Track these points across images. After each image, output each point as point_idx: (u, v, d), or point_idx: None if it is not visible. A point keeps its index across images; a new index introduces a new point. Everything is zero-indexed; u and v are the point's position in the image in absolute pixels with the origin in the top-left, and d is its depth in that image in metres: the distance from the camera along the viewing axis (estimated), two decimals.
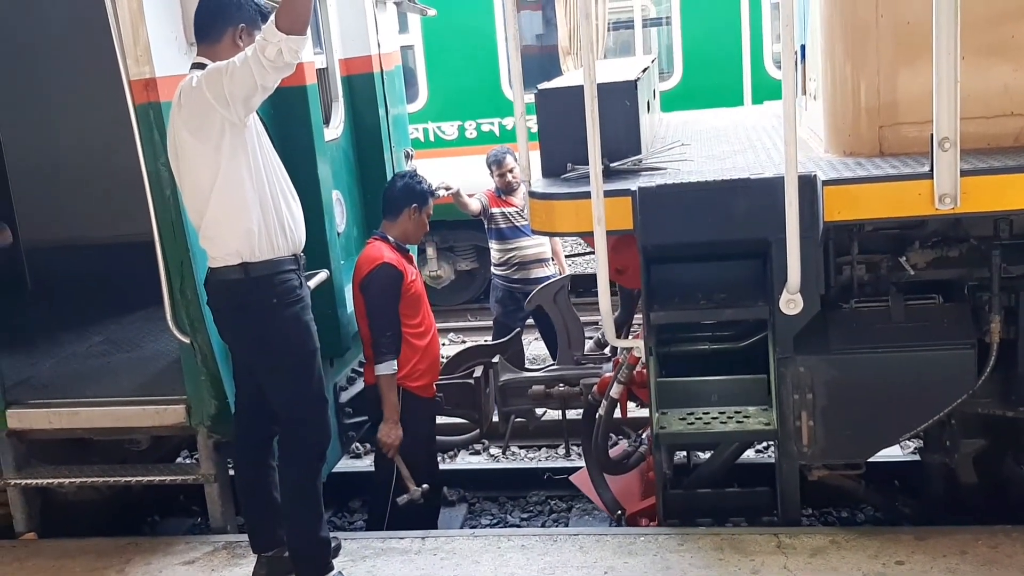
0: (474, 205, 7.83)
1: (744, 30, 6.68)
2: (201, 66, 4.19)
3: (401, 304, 5.45)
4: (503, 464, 7.62)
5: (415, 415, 5.55)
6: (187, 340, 4.87)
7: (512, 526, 6.73)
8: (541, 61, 10.13)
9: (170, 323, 4.83)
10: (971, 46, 4.35)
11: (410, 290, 5.48)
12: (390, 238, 5.59)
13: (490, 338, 8.24)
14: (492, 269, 8.19)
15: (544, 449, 7.85)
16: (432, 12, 7.80)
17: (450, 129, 10.88)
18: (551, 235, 6.84)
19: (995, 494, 5.09)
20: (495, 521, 6.85)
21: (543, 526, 6.68)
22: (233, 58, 4.05)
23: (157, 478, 5.34)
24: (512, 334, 6.36)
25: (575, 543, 4.75)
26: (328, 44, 6.29)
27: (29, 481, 5.32)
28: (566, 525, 6.47)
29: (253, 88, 4.03)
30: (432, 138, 10.92)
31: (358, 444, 7.88)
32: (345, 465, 7.78)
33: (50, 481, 5.35)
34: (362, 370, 6.36)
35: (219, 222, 4.22)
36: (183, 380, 5.04)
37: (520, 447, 7.89)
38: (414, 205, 5.62)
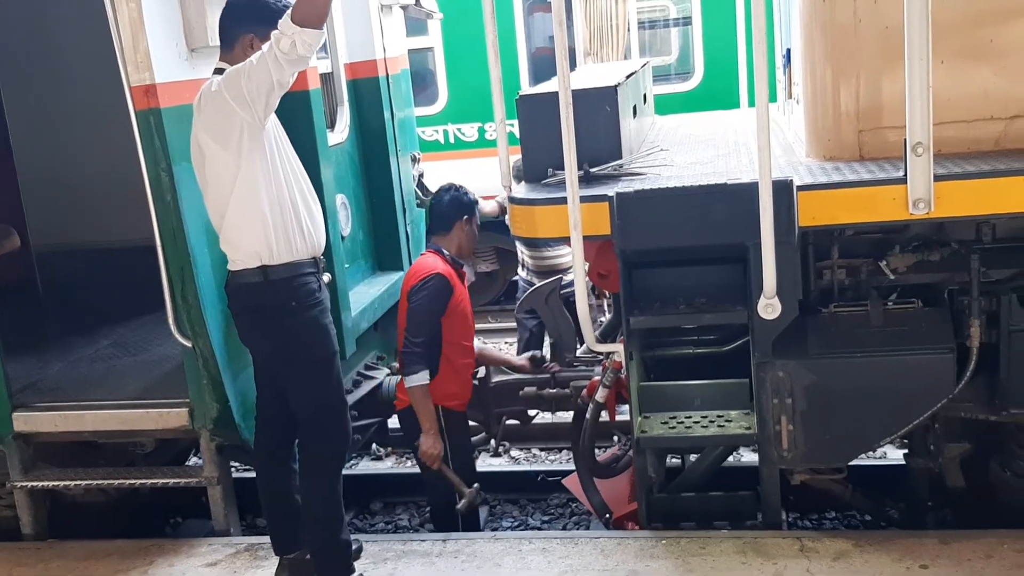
0: (489, 207, 7.85)
1: (740, 33, 6.67)
2: (221, 71, 4.28)
3: (449, 320, 5.47)
4: (524, 467, 7.65)
5: (452, 428, 5.57)
6: (189, 344, 4.95)
7: (533, 529, 6.76)
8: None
9: (172, 327, 4.92)
10: (950, 50, 4.36)
11: (458, 307, 5.51)
12: (445, 252, 5.60)
13: (513, 340, 8.22)
14: (521, 272, 8.05)
15: (565, 452, 7.87)
16: (439, 16, 7.86)
17: (470, 131, 10.94)
18: (532, 240, 6.84)
19: (982, 498, 5.06)
20: (516, 524, 6.89)
21: (564, 529, 6.70)
22: (251, 57, 4.15)
23: (161, 480, 5.41)
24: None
25: (596, 546, 4.77)
26: (333, 49, 6.37)
27: (36, 483, 5.41)
28: (587, 528, 6.44)
29: (270, 85, 4.09)
30: (452, 140, 10.99)
31: (378, 446, 7.99)
32: (366, 467, 7.91)
33: (56, 483, 5.43)
34: (368, 373, 6.48)
35: (237, 225, 4.29)
36: (186, 384, 5.12)
37: (541, 449, 7.93)
38: (465, 217, 5.65)
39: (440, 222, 5.67)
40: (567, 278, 6.71)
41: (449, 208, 5.66)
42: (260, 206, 4.25)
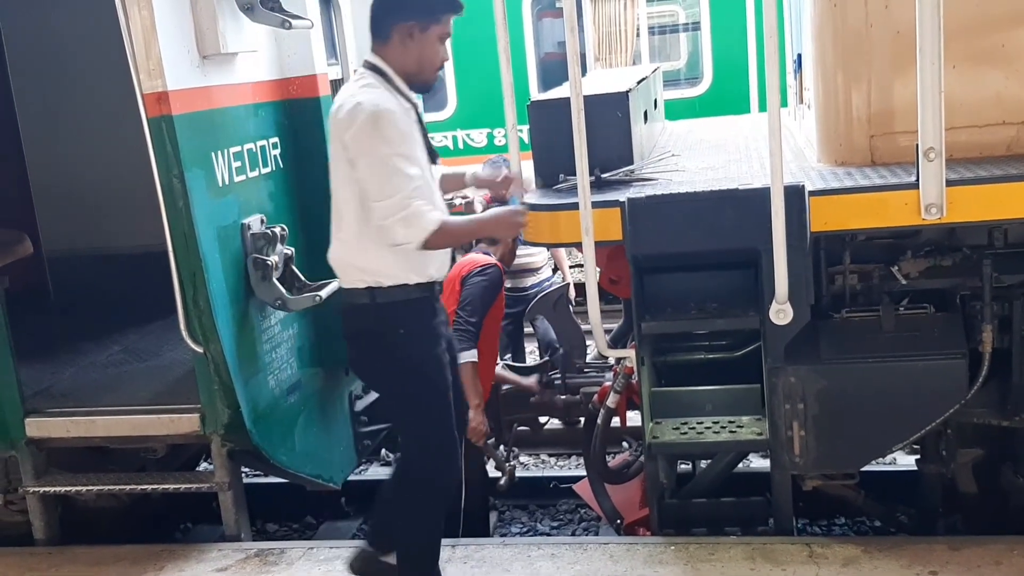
0: (479, 211, 7.92)
1: (750, 37, 6.68)
2: (373, 66, 4.06)
3: (487, 319, 5.59)
4: (533, 472, 7.66)
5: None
6: (200, 349, 4.95)
7: (542, 534, 6.77)
8: (566, 68, 10.14)
9: (183, 333, 4.92)
10: (962, 55, 4.35)
11: (498, 311, 5.64)
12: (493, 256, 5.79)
13: None
14: None
15: (574, 458, 7.87)
16: None
17: (479, 136, 10.96)
18: (545, 245, 6.88)
19: (994, 504, 5.04)
20: (525, 529, 6.90)
21: (573, 535, 6.70)
22: (386, 171, 3.85)
23: (172, 486, 5.40)
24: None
25: (605, 552, 4.76)
26: (343, 56, 6.37)
27: (48, 489, 5.42)
28: (596, 534, 6.46)
29: (363, 189, 3.90)
30: (461, 145, 11.01)
31: (387, 452, 7.99)
32: (375, 473, 7.90)
33: (68, 489, 5.44)
34: None
35: (349, 241, 4.08)
36: (198, 389, 5.11)
37: (550, 455, 7.93)
38: None
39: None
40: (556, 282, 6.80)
41: None
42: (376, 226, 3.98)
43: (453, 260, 5.31)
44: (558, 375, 5.91)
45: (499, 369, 6.03)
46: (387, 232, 3.90)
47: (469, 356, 5.39)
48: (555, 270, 8.26)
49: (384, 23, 4.05)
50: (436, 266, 4.15)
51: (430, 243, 3.90)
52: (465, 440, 5.44)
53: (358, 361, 4.33)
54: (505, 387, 5.97)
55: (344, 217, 4.08)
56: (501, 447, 6.23)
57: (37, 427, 5.38)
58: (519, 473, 7.53)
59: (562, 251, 8.46)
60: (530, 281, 7.85)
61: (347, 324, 4.23)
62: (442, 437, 4.16)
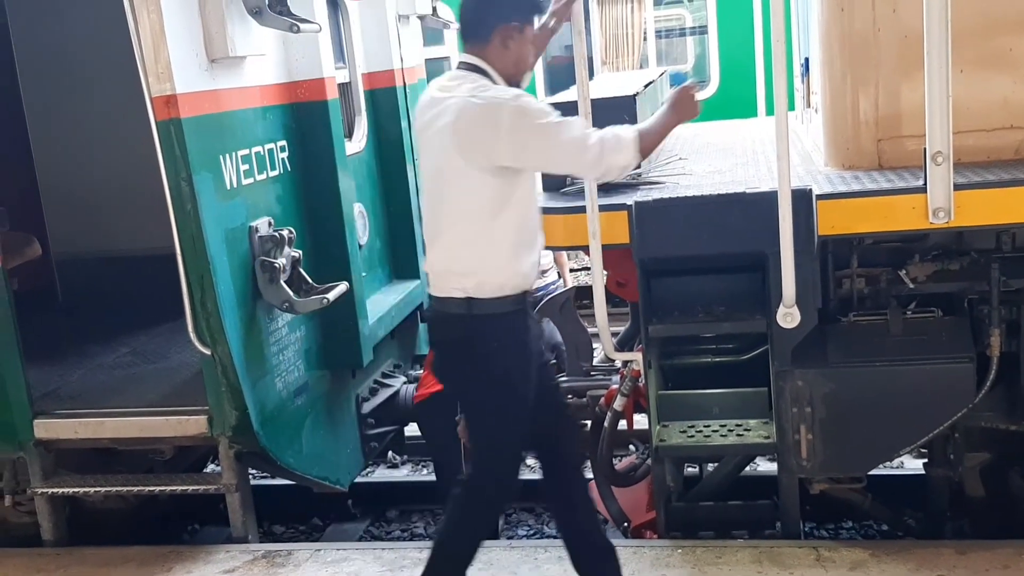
0: None
1: (757, 40, 6.68)
2: (471, 66, 3.92)
3: None
4: (539, 475, 7.62)
5: None
6: (208, 351, 4.96)
7: (548, 537, 6.73)
8: (573, 71, 10.16)
9: (191, 335, 4.92)
10: (970, 59, 4.36)
11: None
12: None
13: None
14: None
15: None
16: (456, 26, 7.88)
17: None
18: (551, 249, 6.89)
19: (1001, 508, 5.04)
20: (531, 532, 6.89)
21: None
22: (558, 130, 3.74)
23: (180, 487, 5.42)
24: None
25: None
26: (351, 59, 6.40)
27: (56, 490, 5.43)
28: None
29: (545, 167, 3.92)
30: None
31: (394, 454, 8.00)
32: (382, 475, 7.92)
33: (76, 490, 5.45)
34: (385, 381, 6.50)
35: (453, 248, 3.92)
36: (205, 391, 5.12)
37: None
38: None
39: None
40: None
41: None
42: (483, 234, 3.86)
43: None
44: (564, 377, 5.91)
45: None
46: (607, 175, 3.87)
47: None
48: (558, 274, 8.27)
49: (485, 24, 3.91)
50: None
51: (644, 150, 3.86)
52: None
53: (443, 368, 4.26)
54: None
55: (451, 226, 3.91)
56: None
57: (45, 428, 5.40)
58: (525, 476, 7.56)
59: (563, 254, 8.46)
60: (536, 284, 7.84)
61: (438, 332, 4.15)
62: (514, 450, 4.15)
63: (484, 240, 3.87)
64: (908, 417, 4.50)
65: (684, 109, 4.01)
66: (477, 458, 4.24)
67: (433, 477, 7.25)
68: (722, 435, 4.71)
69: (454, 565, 4.25)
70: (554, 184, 4.83)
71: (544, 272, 7.84)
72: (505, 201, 3.83)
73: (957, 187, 4.10)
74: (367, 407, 6.23)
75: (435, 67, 10.32)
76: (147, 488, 5.49)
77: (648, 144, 3.88)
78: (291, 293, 5.04)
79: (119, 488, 5.50)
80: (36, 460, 5.42)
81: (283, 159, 5.39)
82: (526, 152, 3.76)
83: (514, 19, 3.90)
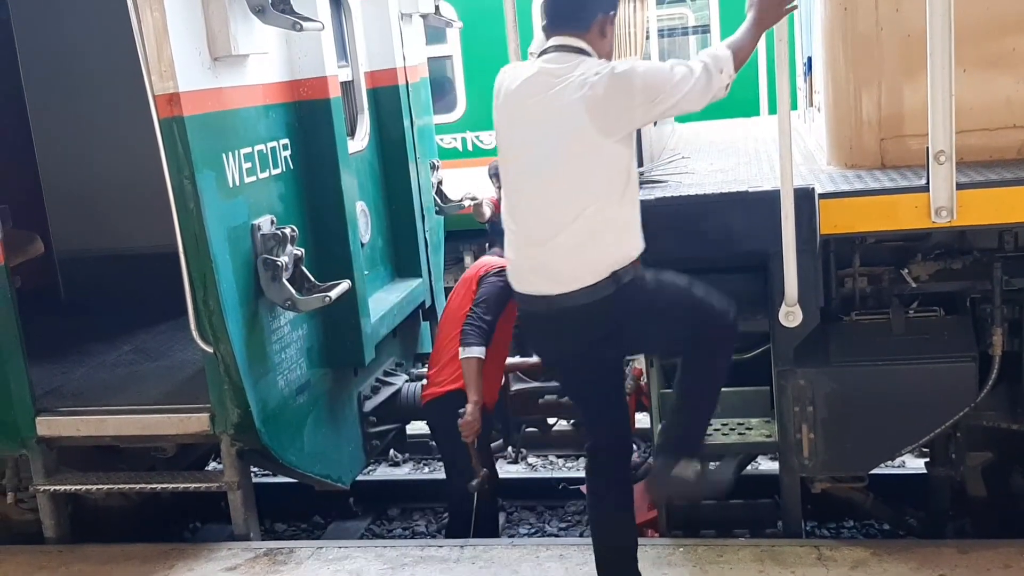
0: (488, 212, 7.90)
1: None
2: (577, 49, 3.87)
3: (501, 322, 5.61)
4: (541, 473, 7.66)
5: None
6: (210, 349, 4.96)
7: (550, 535, 6.77)
8: None
9: (194, 333, 4.93)
10: (973, 59, 4.37)
11: (511, 315, 5.60)
12: None
13: None
14: None
15: (582, 459, 7.84)
16: (458, 24, 7.90)
17: (488, 139, 10.96)
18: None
19: (1003, 507, 5.04)
20: (533, 530, 6.90)
21: (581, 536, 6.66)
22: (675, 72, 3.76)
23: (182, 485, 5.43)
24: None
25: None
26: (354, 57, 6.41)
27: (58, 487, 5.44)
28: None
29: (671, 113, 3.97)
30: (471, 147, 11.02)
31: (396, 452, 8.01)
32: (383, 473, 7.93)
33: (78, 487, 5.47)
34: (387, 379, 6.50)
35: (596, 231, 3.80)
36: (207, 389, 5.14)
37: (558, 456, 7.93)
38: None
39: None
40: None
41: None
42: (624, 200, 3.86)
43: None
44: None
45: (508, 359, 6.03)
46: (717, 96, 3.83)
47: (476, 351, 5.40)
48: None
49: (588, 12, 3.92)
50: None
51: (739, 63, 3.86)
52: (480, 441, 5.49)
53: (580, 339, 4.00)
54: (516, 387, 5.97)
55: (588, 205, 3.78)
56: (509, 448, 6.25)
57: (48, 426, 5.40)
58: (527, 475, 7.59)
59: None
60: None
61: (591, 326, 3.92)
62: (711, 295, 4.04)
63: (623, 211, 3.86)
64: (910, 416, 4.50)
65: (768, 13, 3.98)
66: (617, 416, 4.22)
67: (434, 475, 7.27)
68: (724, 434, 4.71)
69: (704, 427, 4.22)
70: None
71: None
72: (631, 169, 3.86)
73: (960, 186, 4.11)
74: (369, 405, 6.24)
75: (437, 66, 10.35)
76: (149, 486, 5.48)
77: (742, 56, 3.88)
78: (293, 291, 5.04)
79: (121, 486, 5.50)
80: (38, 457, 5.43)
81: (285, 157, 5.39)
82: (656, 105, 3.77)
83: (611, 10, 3.95)
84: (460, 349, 5.43)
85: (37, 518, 5.57)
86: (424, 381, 6.06)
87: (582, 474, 7.22)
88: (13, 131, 7.41)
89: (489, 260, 5.80)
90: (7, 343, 5.24)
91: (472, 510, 5.66)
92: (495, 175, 7.80)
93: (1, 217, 5.17)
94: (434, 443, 6.59)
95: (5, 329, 5.22)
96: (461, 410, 5.40)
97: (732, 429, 4.74)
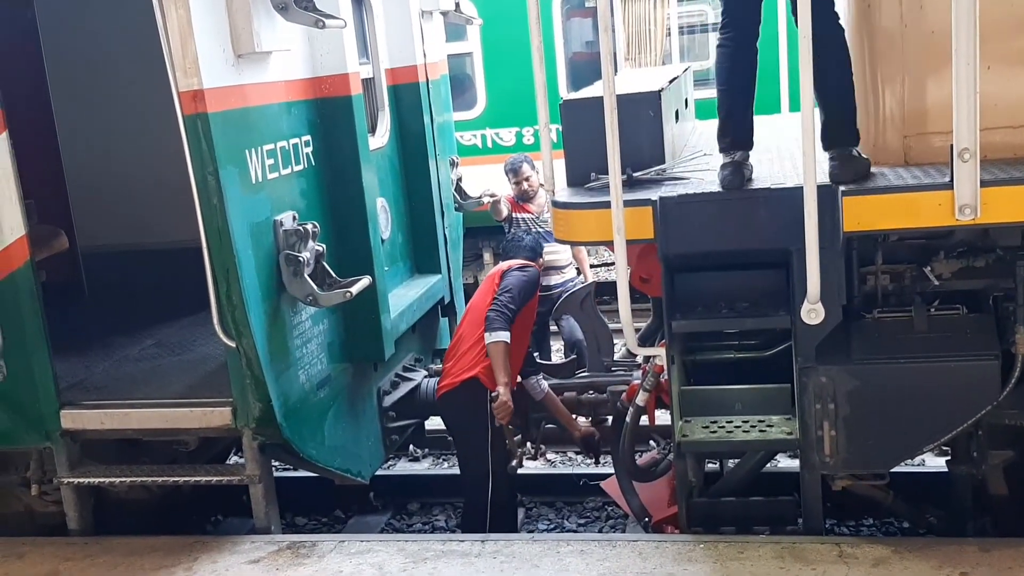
0: (505, 211, 7.94)
1: (781, 38, 6.65)
2: None
3: (519, 318, 5.72)
4: (560, 469, 7.68)
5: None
6: (233, 344, 5.00)
7: (569, 531, 6.78)
8: (595, 67, 10.18)
9: (217, 327, 4.97)
10: (997, 56, 4.34)
11: (530, 314, 5.81)
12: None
13: None
14: None
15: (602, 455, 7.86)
16: (479, 21, 7.92)
17: (508, 135, 10.99)
18: (573, 244, 6.93)
19: None
20: (552, 526, 6.92)
21: (600, 532, 6.71)
22: None
23: (204, 478, 5.47)
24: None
25: (634, 549, 4.76)
26: (374, 54, 6.43)
27: (82, 480, 5.49)
28: (623, 531, 6.44)
29: None
30: (490, 144, 11.05)
31: (415, 447, 8.04)
32: (403, 468, 7.96)
33: (102, 480, 5.52)
34: (406, 375, 6.53)
35: None
36: (229, 383, 5.18)
37: (577, 453, 7.93)
38: None
39: (530, 252, 6.14)
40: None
41: (534, 243, 6.28)
42: None
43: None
44: (585, 372, 5.95)
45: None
46: None
47: (503, 335, 5.52)
48: (578, 270, 8.28)
49: None
50: None
51: None
52: (493, 431, 5.53)
53: None
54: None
55: None
56: (528, 444, 6.25)
57: (72, 419, 5.45)
58: (546, 471, 7.60)
59: (583, 250, 8.48)
60: (555, 280, 7.87)
61: None
62: None
63: None
64: (932, 414, 4.48)
65: None
66: None
67: (453, 471, 7.28)
68: (744, 431, 4.70)
69: None
70: (578, 180, 4.83)
71: (561, 268, 7.89)
72: None
73: (983, 184, 4.08)
74: (388, 400, 6.28)
75: (457, 63, 10.37)
76: (172, 479, 5.54)
77: None
78: (315, 287, 5.08)
79: (144, 478, 5.55)
80: (62, 450, 5.48)
81: (307, 154, 5.43)
82: None
83: None
84: (486, 334, 5.53)
85: (61, 510, 5.62)
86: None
87: (601, 470, 7.27)
88: (38, 127, 7.45)
89: (513, 261, 5.94)
90: (32, 336, 5.29)
91: (487, 504, 5.68)
92: (511, 171, 7.83)
93: (27, 212, 5.20)
94: (451, 438, 6.62)
95: (30, 323, 5.27)
96: (493, 393, 5.46)
97: (753, 426, 4.72)
